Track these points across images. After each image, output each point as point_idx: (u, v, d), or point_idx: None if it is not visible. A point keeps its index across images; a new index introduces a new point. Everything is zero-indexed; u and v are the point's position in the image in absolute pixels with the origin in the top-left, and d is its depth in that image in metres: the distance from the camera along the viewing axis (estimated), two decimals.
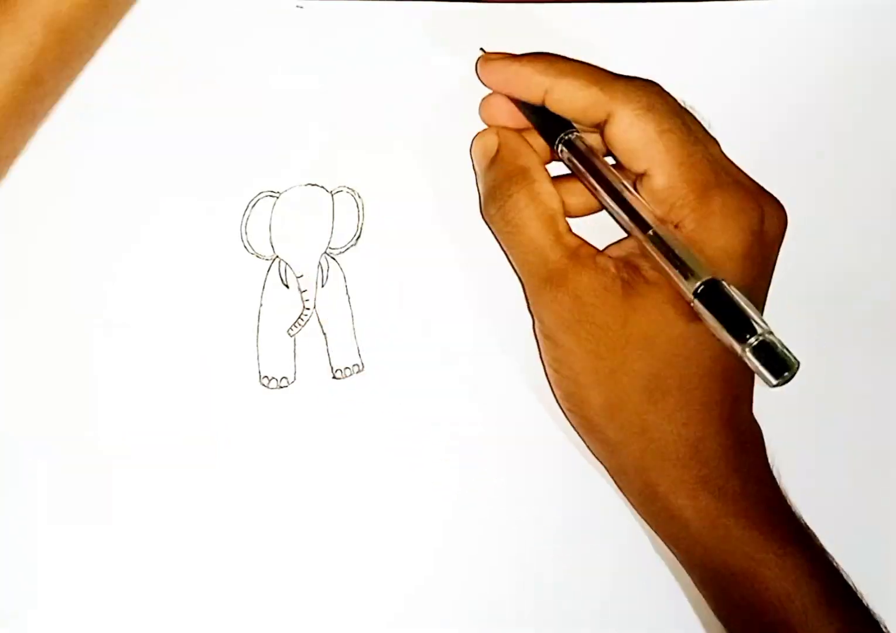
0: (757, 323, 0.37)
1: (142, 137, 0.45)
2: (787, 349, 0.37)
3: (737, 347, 0.37)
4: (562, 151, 0.41)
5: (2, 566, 0.45)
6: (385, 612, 0.46)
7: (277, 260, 0.46)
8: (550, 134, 0.42)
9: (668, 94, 0.41)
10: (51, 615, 0.45)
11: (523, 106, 0.43)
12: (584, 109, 0.40)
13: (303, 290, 0.46)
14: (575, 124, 0.42)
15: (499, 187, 0.42)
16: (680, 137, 0.39)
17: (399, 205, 0.46)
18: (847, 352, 0.48)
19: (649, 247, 0.39)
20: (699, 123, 0.41)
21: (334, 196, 0.46)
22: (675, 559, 0.44)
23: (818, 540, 0.42)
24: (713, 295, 0.37)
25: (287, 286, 0.46)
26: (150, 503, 0.45)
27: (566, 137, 0.41)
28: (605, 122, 0.40)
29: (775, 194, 0.42)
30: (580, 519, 0.47)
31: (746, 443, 0.42)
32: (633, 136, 0.39)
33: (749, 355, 0.36)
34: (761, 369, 0.36)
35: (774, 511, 0.42)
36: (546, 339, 0.42)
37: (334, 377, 0.46)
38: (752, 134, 0.47)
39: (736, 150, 0.44)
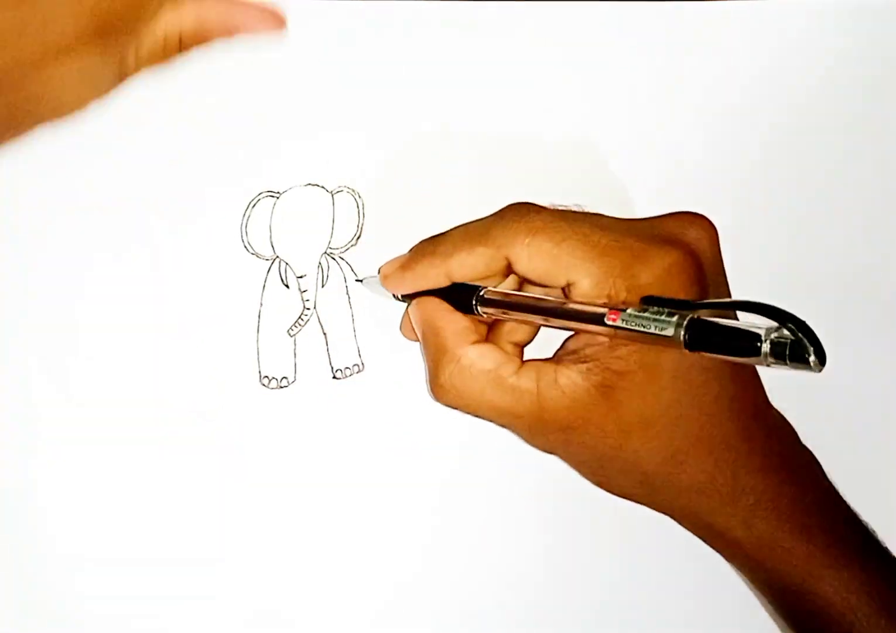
0: (752, 330, 0.35)
1: (143, 138, 0.45)
2: (797, 333, 0.34)
3: (758, 361, 0.34)
4: (484, 312, 0.41)
5: (5, 563, 0.45)
6: (387, 611, 0.47)
7: (278, 260, 0.46)
8: (465, 303, 0.41)
9: (531, 204, 0.40)
10: (50, 615, 0.46)
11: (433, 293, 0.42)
12: (485, 271, 0.40)
13: (303, 290, 0.46)
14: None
15: (434, 369, 0.41)
16: (576, 238, 0.39)
17: (399, 205, 0.46)
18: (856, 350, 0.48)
19: (622, 334, 0.37)
20: (575, 211, 0.41)
21: (334, 196, 0.46)
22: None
23: (882, 544, 0.42)
24: (699, 335, 0.35)
25: (287, 286, 0.46)
26: (151, 503, 0.45)
27: (478, 299, 0.41)
28: (510, 265, 0.40)
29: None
30: (580, 517, 0.47)
31: (782, 447, 0.41)
32: (538, 262, 0.39)
33: (771, 360, 0.34)
34: (797, 364, 0.34)
35: (831, 521, 0.41)
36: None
37: (334, 377, 0.46)
38: (752, 133, 0.47)
39: (736, 149, 0.44)
